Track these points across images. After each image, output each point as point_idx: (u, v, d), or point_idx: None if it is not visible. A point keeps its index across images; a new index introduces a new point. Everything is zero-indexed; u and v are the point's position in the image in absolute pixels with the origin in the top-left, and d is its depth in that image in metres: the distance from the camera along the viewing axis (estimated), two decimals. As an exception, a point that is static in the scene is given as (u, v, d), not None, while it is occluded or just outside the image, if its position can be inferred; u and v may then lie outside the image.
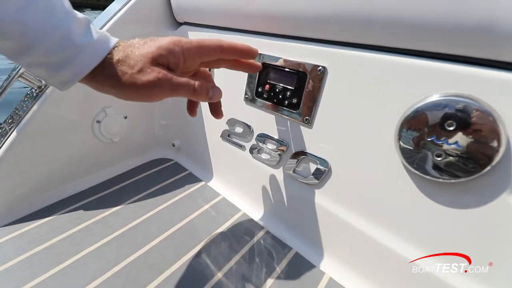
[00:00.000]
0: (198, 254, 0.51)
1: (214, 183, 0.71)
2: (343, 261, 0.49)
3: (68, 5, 0.29)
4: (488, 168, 0.32)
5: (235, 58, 0.39)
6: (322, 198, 0.50)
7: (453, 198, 0.36)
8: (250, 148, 0.60)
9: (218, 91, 0.36)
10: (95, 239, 0.53)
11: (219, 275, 0.47)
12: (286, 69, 0.50)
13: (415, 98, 0.36)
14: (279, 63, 0.51)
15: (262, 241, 0.54)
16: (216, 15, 0.61)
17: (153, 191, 0.67)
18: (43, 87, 0.56)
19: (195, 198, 0.65)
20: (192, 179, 0.72)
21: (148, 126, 0.81)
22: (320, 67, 0.45)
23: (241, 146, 0.62)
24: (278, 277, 0.47)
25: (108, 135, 0.70)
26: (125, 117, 0.72)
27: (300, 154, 0.51)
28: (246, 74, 0.57)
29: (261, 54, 0.53)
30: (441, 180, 0.35)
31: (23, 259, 0.48)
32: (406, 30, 0.36)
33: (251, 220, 0.60)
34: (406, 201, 0.40)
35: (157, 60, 0.31)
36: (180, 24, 0.73)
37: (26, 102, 0.56)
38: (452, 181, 0.34)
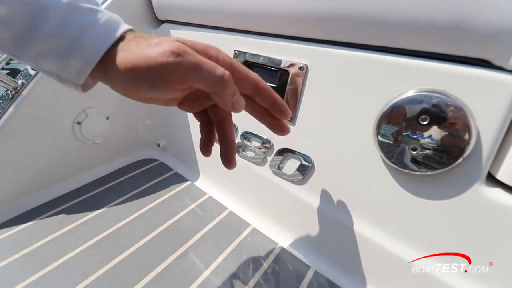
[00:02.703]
0: (185, 253, 0.51)
1: (200, 183, 0.71)
2: (328, 254, 0.50)
3: None
4: (460, 160, 0.33)
5: (266, 105, 0.30)
6: (306, 194, 0.51)
7: (431, 190, 0.37)
8: (235, 146, 0.60)
9: (242, 99, 0.27)
10: (78, 242, 0.52)
11: (206, 273, 0.47)
12: (269, 67, 0.50)
13: (392, 94, 0.37)
14: (262, 61, 0.51)
15: (249, 238, 0.55)
16: (197, 12, 0.61)
17: (138, 192, 0.66)
18: (19, 88, 0.54)
19: (181, 197, 0.65)
20: (178, 179, 0.72)
21: (132, 126, 0.80)
22: (302, 65, 0.46)
23: (226, 145, 0.62)
24: (265, 272, 0.48)
25: (90, 136, 0.68)
26: (107, 118, 0.71)
27: (284, 151, 0.52)
28: None
29: (244, 52, 0.54)
30: (418, 172, 0.36)
31: (4, 265, 0.47)
32: (383, 28, 0.37)
33: (238, 217, 0.60)
34: (386, 195, 0.41)
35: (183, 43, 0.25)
36: (162, 22, 0.72)
37: (1, 104, 0.54)
38: (428, 173, 0.36)
